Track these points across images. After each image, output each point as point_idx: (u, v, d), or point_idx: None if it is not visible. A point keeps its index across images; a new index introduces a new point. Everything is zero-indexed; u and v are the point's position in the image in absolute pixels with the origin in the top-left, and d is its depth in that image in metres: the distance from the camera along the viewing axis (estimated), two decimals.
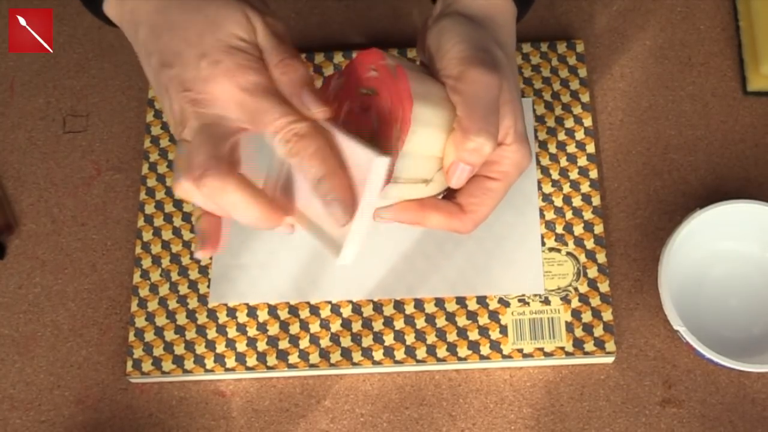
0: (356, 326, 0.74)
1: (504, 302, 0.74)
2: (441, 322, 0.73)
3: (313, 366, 0.73)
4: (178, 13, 0.55)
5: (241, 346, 0.73)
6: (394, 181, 0.55)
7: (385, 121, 0.55)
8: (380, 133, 0.55)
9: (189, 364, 0.73)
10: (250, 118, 0.54)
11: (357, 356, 0.73)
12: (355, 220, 0.54)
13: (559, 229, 0.76)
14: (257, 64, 0.55)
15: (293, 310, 0.74)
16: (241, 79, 0.54)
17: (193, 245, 0.75)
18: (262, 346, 0.73)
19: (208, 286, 0.76)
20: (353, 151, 0.54)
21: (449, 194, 0.59)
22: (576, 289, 0.74)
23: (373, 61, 0.57)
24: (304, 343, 0.73)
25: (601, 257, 0.75)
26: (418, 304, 0.74)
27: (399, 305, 0.74)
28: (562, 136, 0.79)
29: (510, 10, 0.61)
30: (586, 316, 0.73)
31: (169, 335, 0.74)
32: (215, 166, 0.53)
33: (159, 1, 0.56)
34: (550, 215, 0.76)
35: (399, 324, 0.73)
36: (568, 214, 0.76)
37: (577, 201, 0.76)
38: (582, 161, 0.78)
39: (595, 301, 0.73)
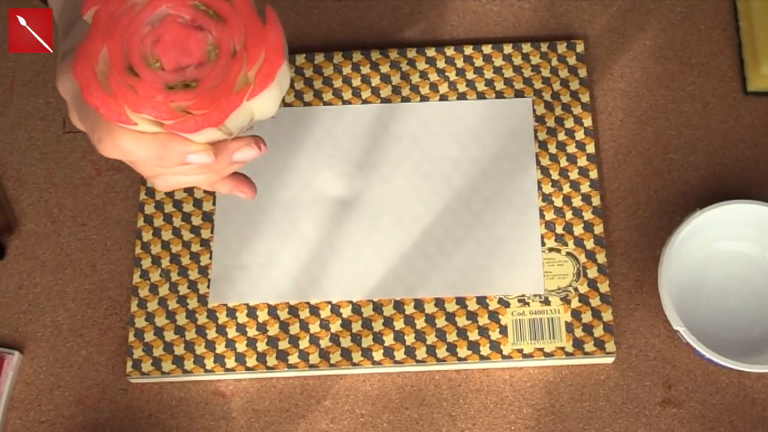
0: (356, 326, 0.74)
1: (504, 302, 0.74)
2: (441, 322, 0.73)
3: (313, 366, 0.73)
4: None
5: (241, 347, 0.73)
6: (223, 131, 0.50)
7: (227, 60, 0.49)
8: (216, 69, 0.49)
9: (189, 364, 0.73)
10: None
11: (357, 356, 0.73)
12: None
13: (559, 229, 0.76)
14: None
15: (293, 311, 0.74)
16: None
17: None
18: (261, 346, 0.73)
19: (208, 287, 0.76)
20: None
21: None
22: (576, 290, 0.74)
23: None
24: (304, 343, 0.73)
25: (601, 257, 0.75)
26: (418, 304, 0.74)
27: (399, 305, 0.74)
28: (562, 136, 0.79)
29: None
30: (586, 317, 0.73)
31: (169, 335, 0.74)
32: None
33: None
34: (550, 215, 0.76)
35: (399, 324, 0.73)
36: (568, 215, 0.76)
37: (577, 201, 0.76)
38: (582, 161, 0.78)
39: (595, 302, 0.73)
